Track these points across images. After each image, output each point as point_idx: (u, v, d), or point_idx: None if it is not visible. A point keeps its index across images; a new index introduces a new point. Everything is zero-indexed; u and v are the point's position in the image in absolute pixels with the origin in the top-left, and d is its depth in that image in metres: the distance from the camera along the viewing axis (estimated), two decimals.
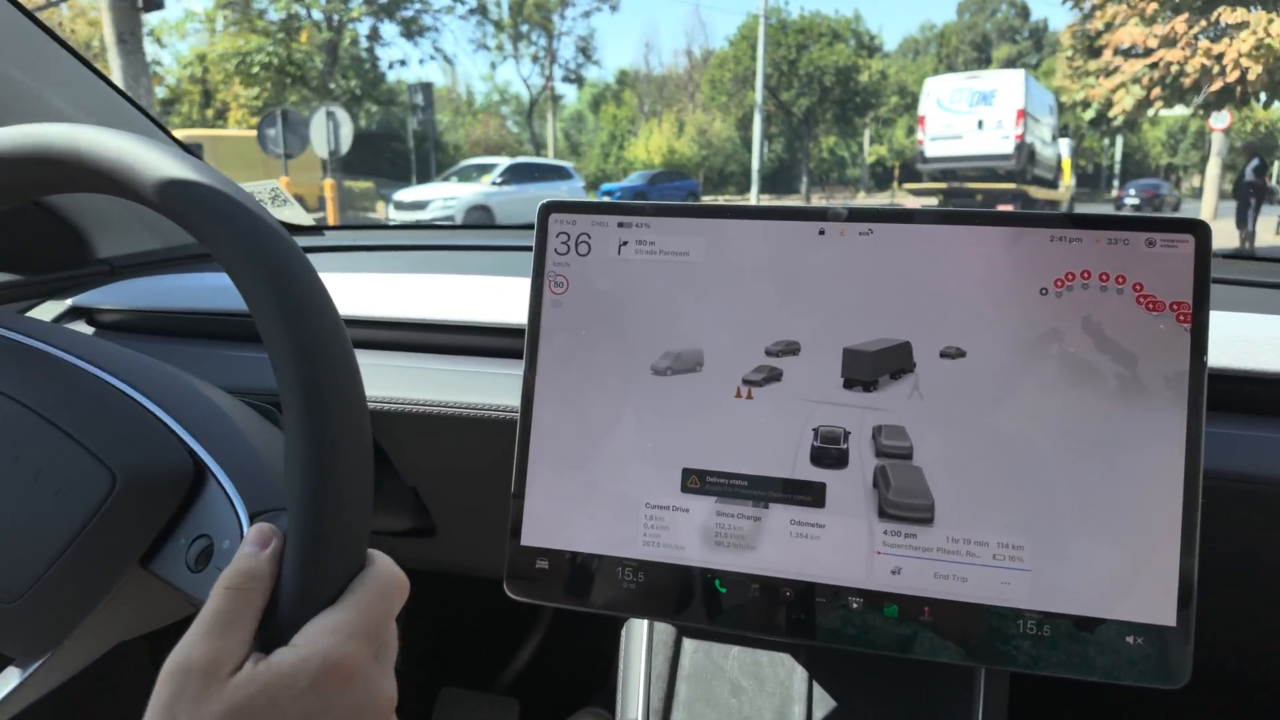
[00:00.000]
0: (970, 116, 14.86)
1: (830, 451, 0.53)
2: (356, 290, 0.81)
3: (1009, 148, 14.70)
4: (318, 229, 1.35)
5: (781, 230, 0.55)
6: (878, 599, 0.52)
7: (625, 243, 0.57)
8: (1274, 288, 0.74)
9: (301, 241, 1.13)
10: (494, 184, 13.21)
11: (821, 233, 0.54)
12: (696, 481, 0.55)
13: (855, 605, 0.53)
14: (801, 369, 0.54)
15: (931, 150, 15.78)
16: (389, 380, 0.72)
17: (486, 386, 0.70)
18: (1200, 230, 0.50)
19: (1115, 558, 0.50)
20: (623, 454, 0.56)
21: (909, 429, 0.53)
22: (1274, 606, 0.61)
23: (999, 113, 14.62)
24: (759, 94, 18.37)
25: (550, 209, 0.58)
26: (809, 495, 0.54)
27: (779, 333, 0.55)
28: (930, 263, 0.53)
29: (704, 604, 0.54)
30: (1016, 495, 0.51)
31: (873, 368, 0.53)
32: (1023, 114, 14.46)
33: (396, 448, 0.77)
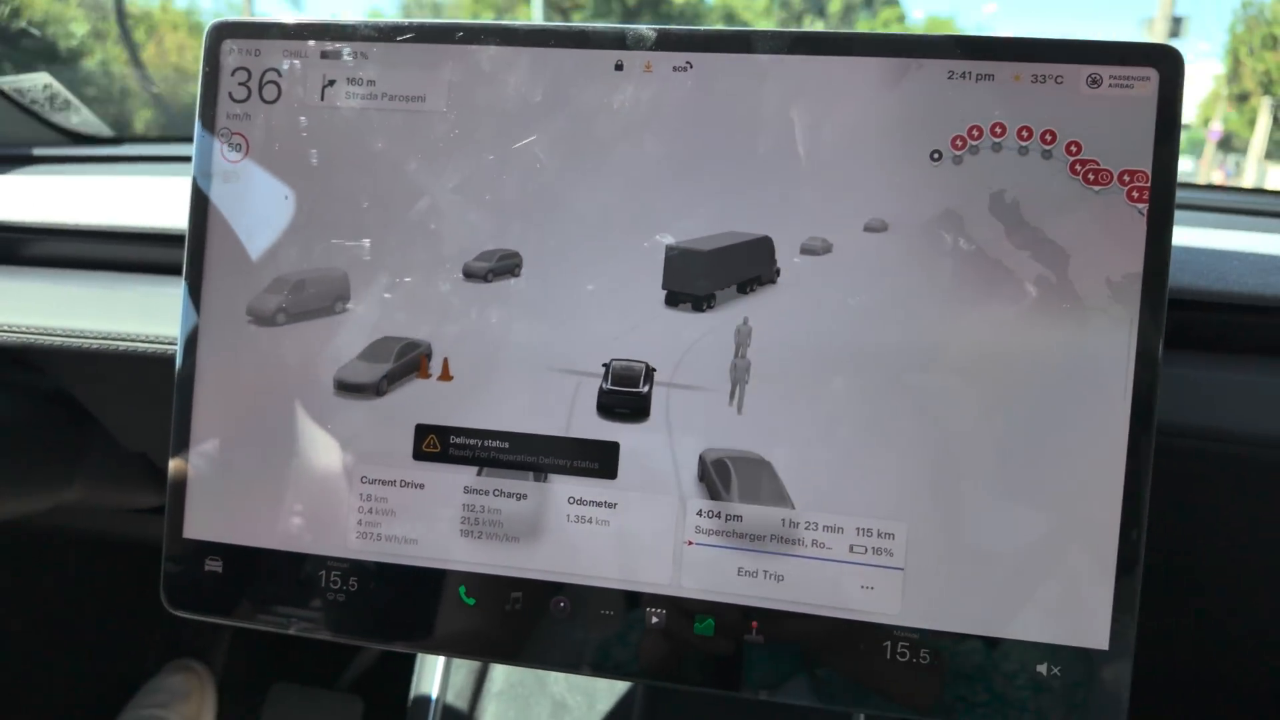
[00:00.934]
0: None
1: (622, 397, 0.36)
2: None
3: None
4: (113, 139, 1.10)
5: (561, 63, 0.36)
6: (686, 610, 0.36)
7: (332, 81, 0.38)
8: (1260, 215, 0.59)
9: (90, 152, 0.90)
10: None
11: (619, 67, 0.36)
12: (435, 444, 0.37)
13: (656, 620, 0.36)
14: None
15: None
16: (55, 307, 0.52)
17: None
18: (1168, 62, 0.33)
19: (1026, 552, 0.34)
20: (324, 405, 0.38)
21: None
22: (1229, 606, 0.47)
23: None
24: None
25: (224, 32, 0.39)
26: (594, 461, 0.36)
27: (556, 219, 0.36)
28: (774, 112, 0.35)
29: (444, 623, 0.37)
30: (887, 460, 0.34)
31: (709, 275, 0.36)
32: None
33: (102, 403, 0.57)
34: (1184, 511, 0.42)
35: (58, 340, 0.52)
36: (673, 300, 0.36)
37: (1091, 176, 0.33)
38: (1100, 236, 0.33)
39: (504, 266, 0.37)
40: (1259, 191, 0.74)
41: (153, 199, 0.59)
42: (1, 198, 0.61)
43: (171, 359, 0.51)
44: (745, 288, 0.36)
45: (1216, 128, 12.72)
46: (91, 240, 0.59)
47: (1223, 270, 0.45)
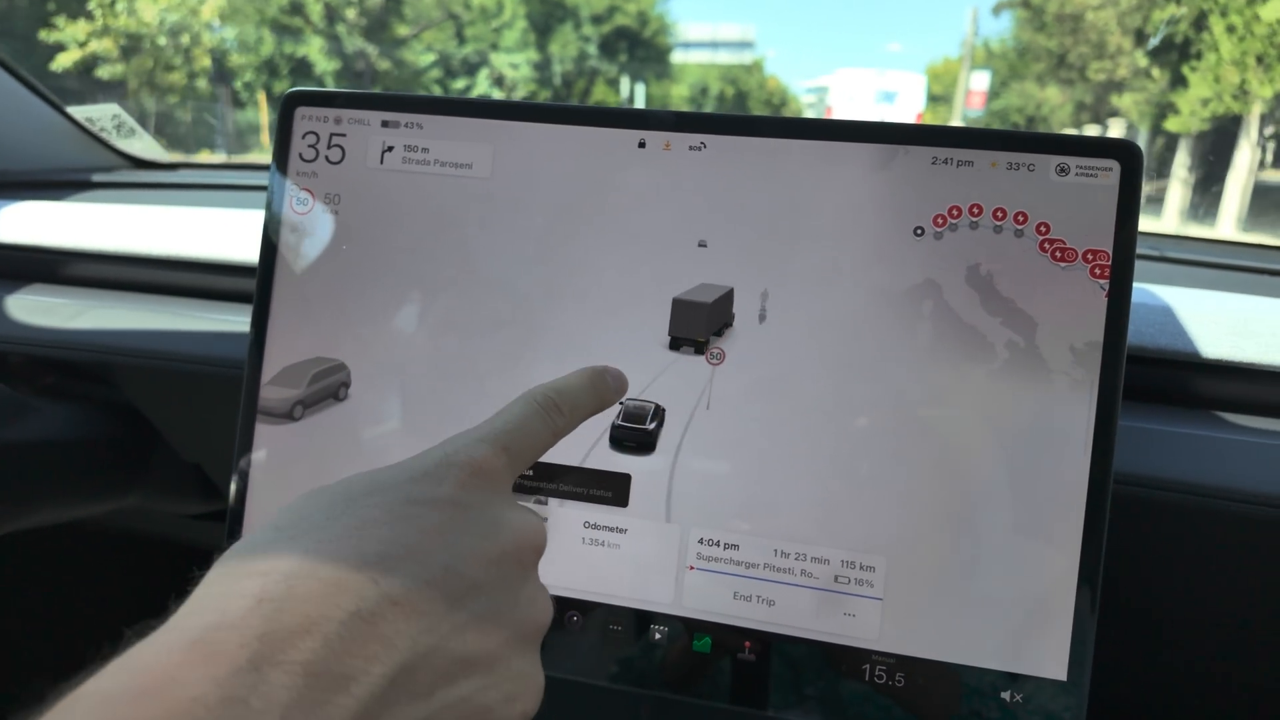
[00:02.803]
0: (875, 113, 16.60)
1: (632, 432, 0.40)
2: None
3: None
4: (170, 165, 1.17)
5: (592, 140, 0.41)
6: (685, 628, 0.40)
7: (390, 148, 0.43)
8: (1217, 268, 0.62)
9: (151, 178, 0.96)
10: None
11: (642, 145, 0.41)
12: None
13: (659, 636, 0.40)
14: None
15: None
16: (134, 328, 0.58)
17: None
18: (1128, 155, 0.37)
19: (994, 587, 0.37)
20: (380, 433, 0.43)
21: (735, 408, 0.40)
22: (1179, 642, 0.50)
23: (900, 113, 16.35)
24: None
25: (297, 100, 0.44)
26: (608, 490, 0.41)
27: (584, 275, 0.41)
28: (779, 189, 0.39)
29: None
30: (870, 499, 0.38)
31: (707, 323, 0.40)
32: (921, 117, 16.42)
33: (164, 415, 0.62)
34: (1140, 554, 0.45)
35: (129, 358, 0.58)
36: (675, 345, 0.40)
37: (1059, 254, 0.37)
38: (1065, 308, 0.37)
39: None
40: (1223, 243, 0.76)
41: (206, 228, 0.65)
42: (67, 223, 0.67)
43: (226, 379, 0.57)
44: (719, 331, 0.40)
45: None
46: (151, 267, 0.65)
47: (1179, 330, 0.49)
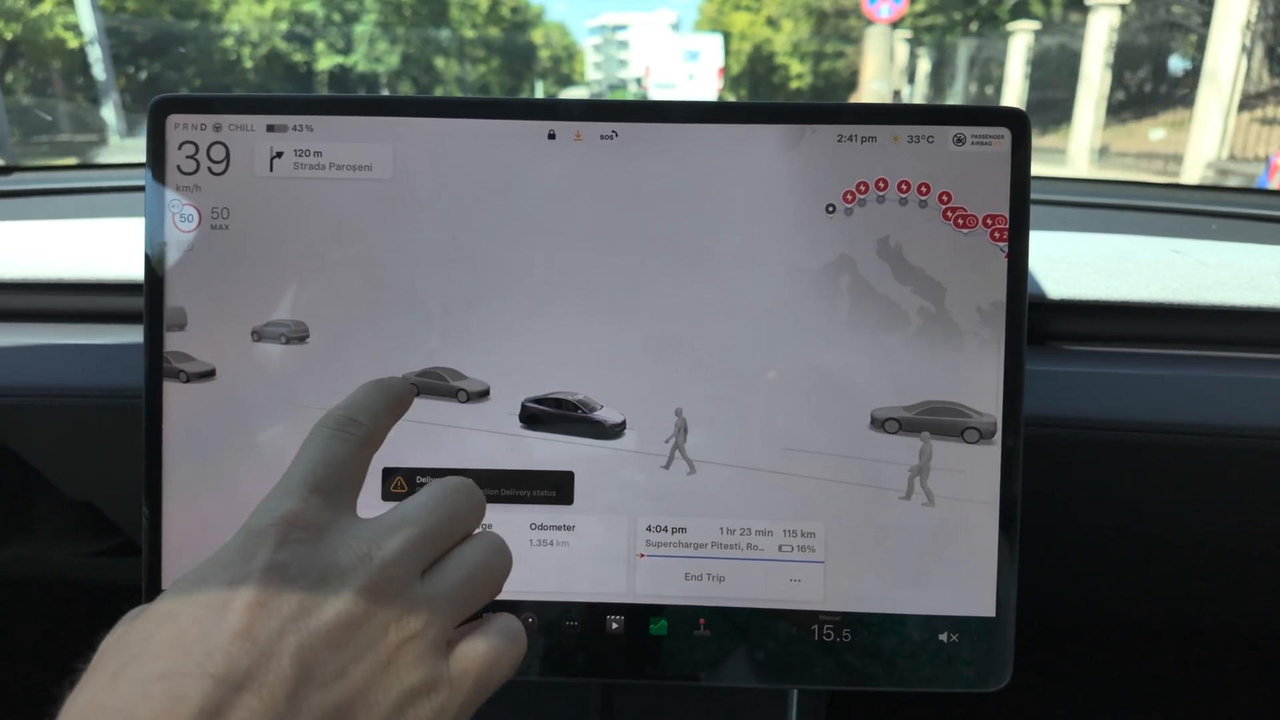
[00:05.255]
0: (684, 69, 19.10)
1: (550, 422, 0.40)
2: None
3: (711, 96, 19.75)
4: (5, 169, 1.05)
5: (499, 133, 0.40)
6: (642, 614, 0.40)
7: (279, 154, 0.40)
8: (1090, 208, 0.67)
9: None
10: None
11: (552, 136, 0.40)
12: (402, 484, 0.41)
13: (616, 626, 0.41)
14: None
15: (655, 95, 20.46)
16: None
17: (125, 361, 0.51)
18: (1019, 123, 0.39)
19: (923, 540, 0.40)
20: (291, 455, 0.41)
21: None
22: (1104, 563, 0.55)
23: (703, 69, 19.04)
24: None
25: (168, 107, 0.40)
26: (552, 489, 0.40)
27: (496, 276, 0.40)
28: (692, 174, 0.40)
29: None
30: (804, 469, 0.40)
31: None
32: (722, 71, 18.97)
33: (40, 454, 0.57)
34: (1060, 490, 0.49)
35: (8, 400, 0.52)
36: None
37: (960, 221, 0.39)
38: (970, 272, 0.39)
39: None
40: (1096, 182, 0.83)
41: (46, 241, 0.59)
42: None
43: (106, 409, 0.53)
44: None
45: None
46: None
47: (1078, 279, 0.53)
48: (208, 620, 0.21)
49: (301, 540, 0.24)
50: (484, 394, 0.40)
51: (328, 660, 0.22)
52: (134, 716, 0.19)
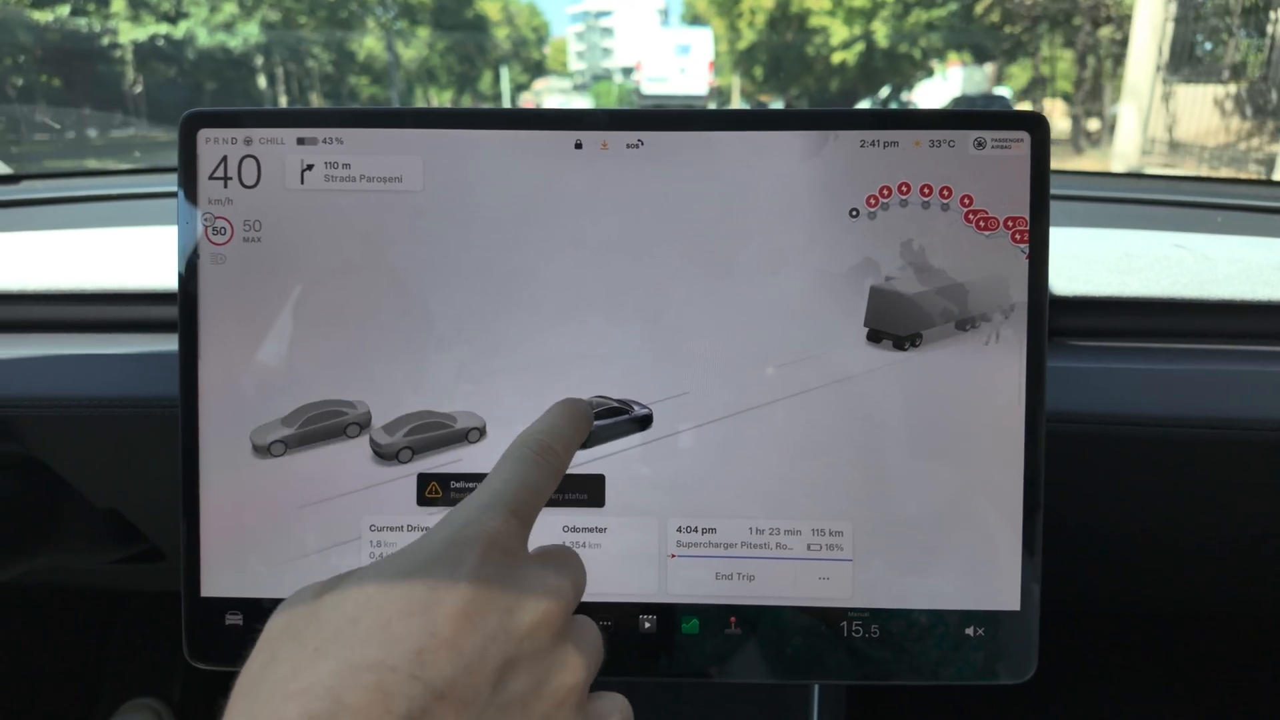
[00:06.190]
0: (675, 63, 19.75)
1: (601, 431, 0.41)
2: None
3: (703, 89, 20.20)
4: (13, 178, 1.06)
5: (527, 143, 0.41)
6: (673, 614, 0.41)
7: (310, 166, 0.41)
8: (1106, 202, 0.68)
9: None
10: None
11: (579, 146, 0.41)
12: (437, 490, 0.41)
13: (648, 625, 0.41)
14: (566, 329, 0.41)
15: (647, 89, 20.42)
16: (27, 375, 0.53)
17: (154, 371, 0.52)
18: (1038, 126, 0.40)
19: (948, 534, 0.41)
20: (330, 460, 0.41)
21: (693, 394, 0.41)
22: (1120, 554, 0.56)
23: (694, 62, 19.71)
24: None
25: (199, 122, 0.41)
26: (584, 492, 0.41)
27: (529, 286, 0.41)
28: (717, 181, 0.40)
29: None
30: (832, 469, 0.41)
31: (914, 316, 0.40)
32: (712, 64, 19.68)
33: (69, 463, 0.58)
34: (1076, 484, 0.50)
35: (19, 410, 0.53)
36: (875, 337, 0.40)
37: (982, 224, 0.40)
38: (992, 273, 0.40)
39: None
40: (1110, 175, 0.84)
41: (72, 249, 0.60)
42: None
43: (139, 419, 0.53)
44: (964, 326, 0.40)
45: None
46: (25, 303, 0.59)
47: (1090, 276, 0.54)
48: (417, 621, 0.22)
49: (500, 561, 0.25)
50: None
51: (514, 686, 0.23)
52: (343, 700, 0.19)
